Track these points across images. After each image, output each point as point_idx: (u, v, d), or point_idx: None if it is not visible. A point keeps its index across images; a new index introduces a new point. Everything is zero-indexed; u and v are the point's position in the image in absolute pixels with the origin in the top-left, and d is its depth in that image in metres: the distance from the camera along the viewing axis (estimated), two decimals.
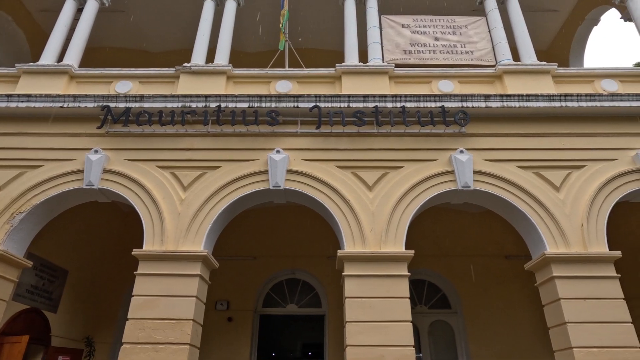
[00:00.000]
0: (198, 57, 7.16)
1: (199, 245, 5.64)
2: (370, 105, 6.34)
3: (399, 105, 6.32)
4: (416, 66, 7.19)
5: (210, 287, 8.67)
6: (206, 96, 6.43)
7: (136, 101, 6.41)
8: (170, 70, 7.02)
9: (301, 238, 9.02)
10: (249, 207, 6.36)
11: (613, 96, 6.36)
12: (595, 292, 5.27)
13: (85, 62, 7.46)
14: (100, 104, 6.35)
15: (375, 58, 7.08)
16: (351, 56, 7.11)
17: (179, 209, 5.89)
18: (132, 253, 5.53)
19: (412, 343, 5.03)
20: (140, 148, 6.32)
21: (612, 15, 8.69)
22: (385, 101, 6.37)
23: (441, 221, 8.97)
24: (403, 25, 7.64)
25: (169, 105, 6.40)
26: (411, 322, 5.17)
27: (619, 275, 5.38)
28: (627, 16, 8.13)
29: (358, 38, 7.36)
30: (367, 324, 5.14)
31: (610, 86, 6.80)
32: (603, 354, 4.94)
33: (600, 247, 5.54)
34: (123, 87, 6.83)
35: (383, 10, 7.90)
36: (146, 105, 6.37)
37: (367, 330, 5.10)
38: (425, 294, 8.83)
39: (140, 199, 5.92)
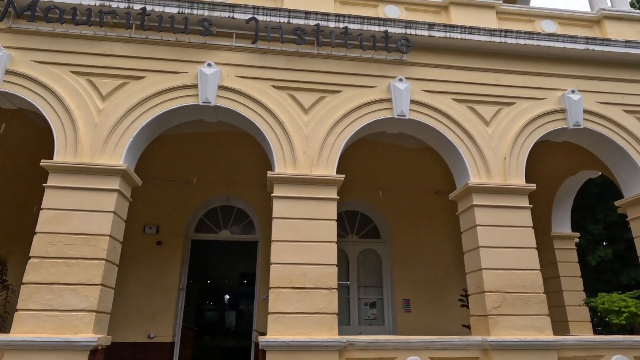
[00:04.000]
0: None
1: (118, 159, 5.25)
2: (312, 23, 5.97)
3: (341, 25, 6.01)
4: None
5: (138, 210, 8.37)
6: None
7: None
8: None
9: (236, 165, 8.78)
10: (177, 123, 5.97)
11: (550, 36, 6.45)
12: (508, 220, 5.63)
13: None
14: None
15: None
16: None
17: (96, 120, 5.39)
18: (41, 164, 5.05)
19: (335, 262, 5.16)
20: (51, 49, 5.59)
21: None
22: (327, 20, 6.02)
23: (378, 155, 9.08)
24: None
25: (85, 2, 5.63)
26: (336, 243, 5.27)
27: (531, 206, 5.76)
28: None
29: None
30: (292, 243, 5.17)
31: (549, 27, 6.88)
32: (507, 275, 5.37)
33: (519, 179, 5.85)
34: None
35: None
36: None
37: (292, 250, 5.14)
38: (357, 225, 9.09)
39: (50, 106, 5.32)
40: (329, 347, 4.73)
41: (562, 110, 6.27)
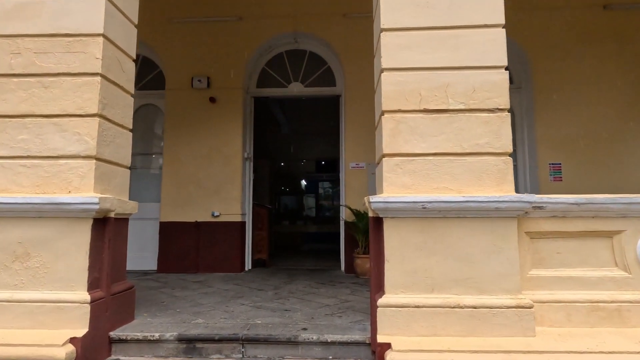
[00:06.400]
0: None
1: None
2: None
3: None
4: None
5: (183, 60, 6.42)
6: None
7: None
8: None
9: None
10: None
11: None
12: None
13: None
14: None
15: None
16: None
17: None
18: None
19: (505, 63, 2.74)
20: None
21: None
22: None
23: None
24: None
25: None
26: (504, 28, 2.79)
27: None
28: None
29: None
30: (420, 32, 2.78)
31: None
32: None
33: None
34: None
35: None
36: None
37: (420, 43, 2.77)
38: None
39: None
40: (500, 211, 2.55)
41: None
